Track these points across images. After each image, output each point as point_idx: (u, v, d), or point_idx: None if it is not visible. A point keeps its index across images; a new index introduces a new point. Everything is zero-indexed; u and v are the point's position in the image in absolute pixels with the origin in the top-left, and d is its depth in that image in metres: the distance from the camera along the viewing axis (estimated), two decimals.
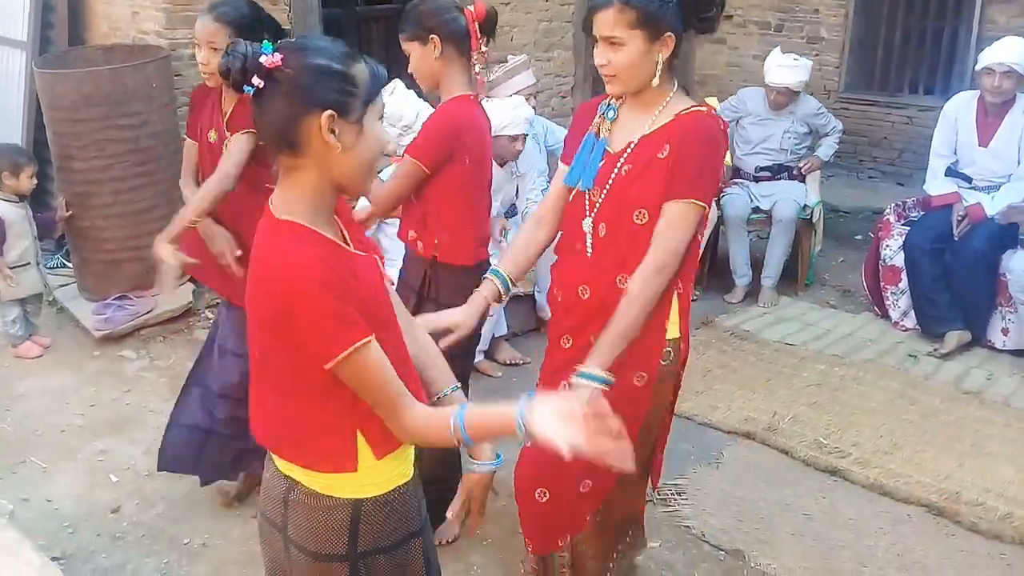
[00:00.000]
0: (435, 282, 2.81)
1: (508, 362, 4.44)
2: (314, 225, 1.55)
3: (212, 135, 2.93)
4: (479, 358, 4.32)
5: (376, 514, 1.64)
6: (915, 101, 6.92)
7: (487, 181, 2.86)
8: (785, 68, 5.06)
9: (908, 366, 4.36)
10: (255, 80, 1.49)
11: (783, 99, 5.15)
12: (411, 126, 3.75)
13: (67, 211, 4.61)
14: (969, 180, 4.59)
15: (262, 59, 1.49)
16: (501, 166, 4.45)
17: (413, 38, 2.65)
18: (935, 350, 4.48)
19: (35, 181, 4.42)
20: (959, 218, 4.48)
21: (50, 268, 5.12)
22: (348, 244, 1.63)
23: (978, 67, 4.53)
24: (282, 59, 1.49)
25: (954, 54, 6.74)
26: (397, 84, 3.98)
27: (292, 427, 1.62)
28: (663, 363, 2.25)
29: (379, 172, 2.61)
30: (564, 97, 6.76)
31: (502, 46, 6.44)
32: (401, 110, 3.89)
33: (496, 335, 4.45)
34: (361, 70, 1.55)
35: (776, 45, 7.71)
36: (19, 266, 4.36)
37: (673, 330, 2.23)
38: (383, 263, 1.74)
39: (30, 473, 3.51)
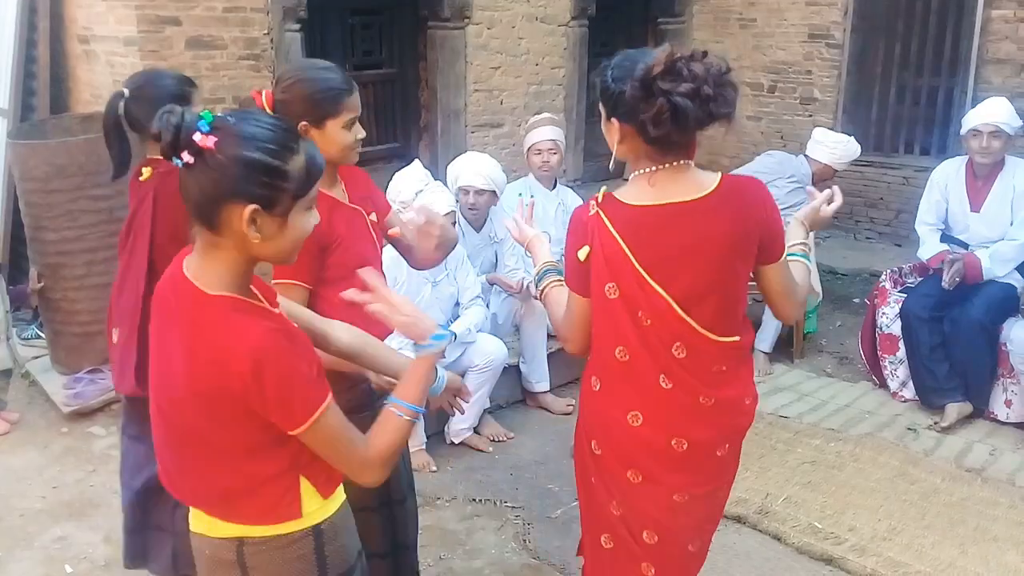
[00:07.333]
0: None
1: (492, 438, 4.24)
2: (245, 295, 1.55)
3: None
4: (468, 433, 4.16)
5: (333, 533, 1.66)
6: (911, 162, 6.82)
7: None
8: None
9: (908, 441, 4.17)
10: (185, 156, 1.44)
11: None
12: (407, 203, 3.69)
13: (39, 282, 4.49)
14: (965, 246, 4.45)
15: (195, 137, 1.43)
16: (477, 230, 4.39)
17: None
18: (935, 423, 4.31)
19: None
20: (950, 261, 4.30)
21: (25, 339, 4.99)
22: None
23: (963, 130, 4.38)
24: (215, 143, 1.44)
25: (949, 114, 6.66)
26: (416, 164, 4.05)
27: (228, 488, 1.58)
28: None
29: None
30: None
31: (492, 110, 6.40)
32: (400, 186, 3.89)
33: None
34: (297, 163, 1.50)
35: (769, 106, 7.65)
36: None
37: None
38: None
39: None
